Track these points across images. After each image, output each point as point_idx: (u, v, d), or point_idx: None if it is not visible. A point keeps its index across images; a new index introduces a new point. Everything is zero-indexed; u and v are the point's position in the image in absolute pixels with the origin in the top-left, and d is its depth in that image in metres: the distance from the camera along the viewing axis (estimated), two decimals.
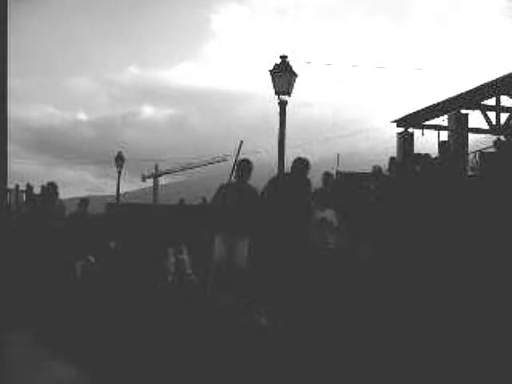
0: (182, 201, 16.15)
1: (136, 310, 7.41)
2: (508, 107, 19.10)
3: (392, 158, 10.20)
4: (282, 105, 11.58)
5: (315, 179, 8.01)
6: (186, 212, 14.42)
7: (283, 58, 11.85)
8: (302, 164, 7.40)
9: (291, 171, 7.45)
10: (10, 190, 24.85)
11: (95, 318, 7.10)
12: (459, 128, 17.66)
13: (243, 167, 7.55)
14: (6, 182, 2.54)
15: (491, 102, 18.66)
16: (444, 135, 19.35)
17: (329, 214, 7.86)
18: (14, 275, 8.70)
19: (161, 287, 9.55)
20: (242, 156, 8.64)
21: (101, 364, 4.91)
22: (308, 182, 7.44)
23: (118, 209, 19.13)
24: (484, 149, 14.78)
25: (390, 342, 5.26)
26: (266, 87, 12.05)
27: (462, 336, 5.33)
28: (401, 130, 20.54)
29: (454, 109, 18.05)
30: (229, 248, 7.24)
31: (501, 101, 18.75)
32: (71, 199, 14.01)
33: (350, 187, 9.87)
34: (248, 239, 7.28)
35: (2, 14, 2.16)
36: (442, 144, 13.27)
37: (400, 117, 20.52)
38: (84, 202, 11.52)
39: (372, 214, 8.20)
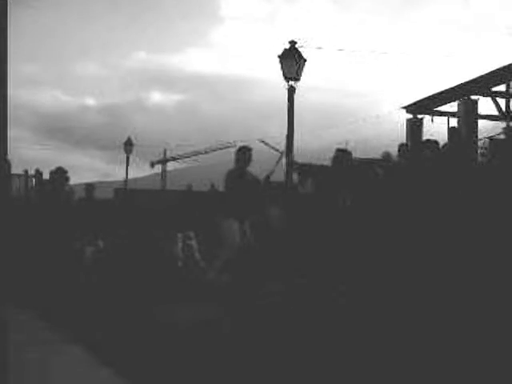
0: (189, 187, 16.22)
1: (144, 295, 7.46)
2: None
3: (402, 144, 10.12)
4: (291, 90, 11.55)
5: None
6: (194, 198, 14.46)
7: (292, 43, 11.80)
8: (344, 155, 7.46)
9: (333, 162, 7.46)
10: (19, 176, 24.93)
11: (105, 303, 7.15)
12: (469, 114, 17.54)
13: (243, 154, 7.70)
14: (5, 168, 2.53)
15: (502, 88, 18.51)
16: (454, 122, 19.24)
17: None
18: (22, 261, 8.76)
19: (169, 272, 9.59)
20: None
21: (112, 346, 4.97)
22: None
23: (127, 194, 19.21)
24: (494, 135, 14.67)
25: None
26: (275, 73, 12.03)
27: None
28: (410, 116, 20.43)
29: (463, 95, 17.93)
30: (240, 231, 7.38)
31: (511, 87, 18.59)
32: (80, 185, 14.05)
33: (360, 172, 9.83)
34: (248, 222, 7.47)
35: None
36: (451, 130, 13.18)
37: (410, 103, 20.41)
38: (89, 186, 11.51)
39: (379, 199, 8.18)
